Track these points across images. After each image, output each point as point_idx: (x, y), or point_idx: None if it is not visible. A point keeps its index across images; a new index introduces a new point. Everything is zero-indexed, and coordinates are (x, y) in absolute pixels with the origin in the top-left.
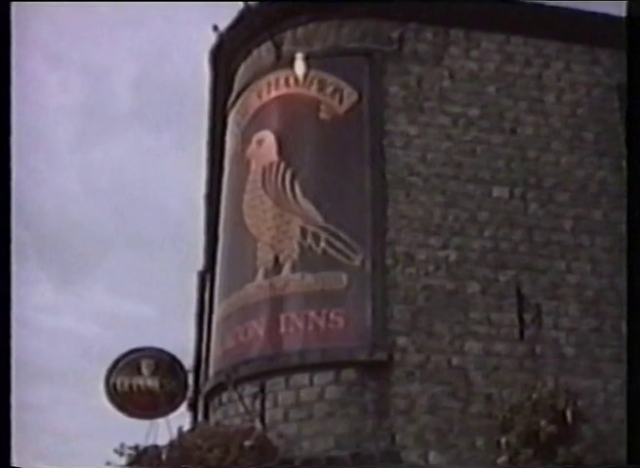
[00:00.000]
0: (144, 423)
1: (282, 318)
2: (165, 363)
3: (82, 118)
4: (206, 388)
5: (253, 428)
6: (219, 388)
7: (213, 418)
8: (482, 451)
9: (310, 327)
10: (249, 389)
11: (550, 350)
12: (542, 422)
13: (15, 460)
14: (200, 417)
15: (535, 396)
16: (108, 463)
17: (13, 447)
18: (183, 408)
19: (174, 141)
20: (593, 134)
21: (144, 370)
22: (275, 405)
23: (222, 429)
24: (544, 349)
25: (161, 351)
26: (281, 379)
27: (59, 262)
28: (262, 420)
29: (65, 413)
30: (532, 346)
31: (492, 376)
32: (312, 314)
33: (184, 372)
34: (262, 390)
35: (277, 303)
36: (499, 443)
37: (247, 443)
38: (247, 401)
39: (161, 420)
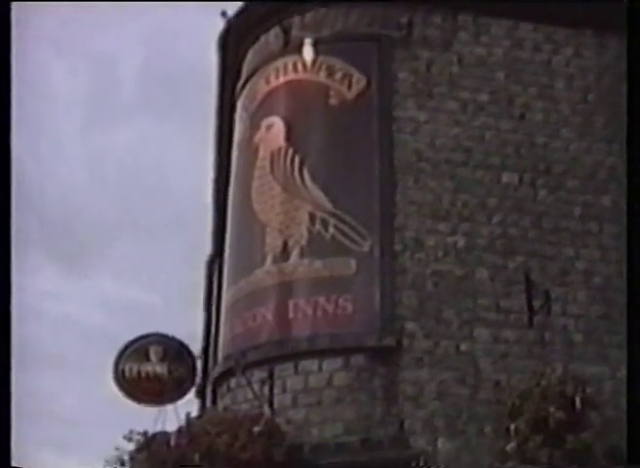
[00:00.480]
0: (153, 410)
1: (291, 304)
2: (173, 349)
3: (88, 106)
4: (214, 374)
5: (261, 414)
6: (227, 374)
7: (221, 404)
8: (491, 438)
9: (319, 312)
10: (257, 375)
11: (559, 337)
12: (551, 409)
13: (20, 447)
14: (208, 403)
15: (543, 382)
16: (117, 449)
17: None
18: (192, 394)
19: (180, 129)
20: (603, 120)
21: (153, 357)
22: (284, 390)
23: (231, 415)
24: (553, 336)
25: (169, 337)
26: (290, 365)
27: (64, 250)
28: (271, 406)
29: (72, 401)
30: (540, 333)
31: (500, 363)
32: (321, 300)
33: (193, 359)
34: (271, 376)
35: (286, 289)
36: (507, 429)
37: (255, 428)
38: (255, 386)
39: (169, 407)
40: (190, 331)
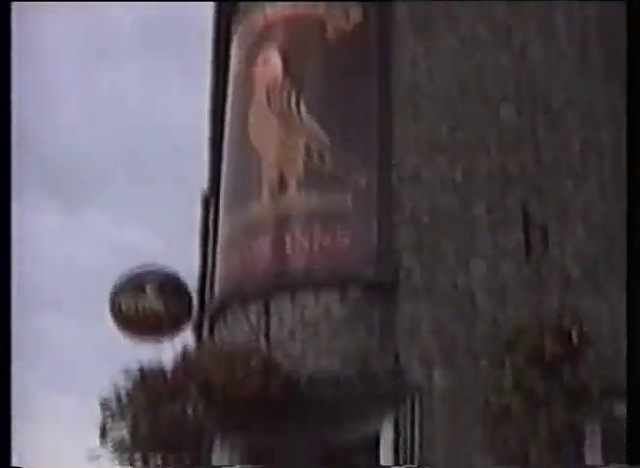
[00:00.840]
0: (150, 347)
1: (287, 237)
2: (170, 284)
3: (85, 46)
4: (211, 308)
5: (258, 346)
6: (223, 307)
7: (218, 338)
8: (487, 371)
9: (316, 245)
10: (254, 308)
11: (556, 272)
12: (548, 342)
13: (20, 387)
14: (205, 338)
15: (540, 317)
16: (115, 385)
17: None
18: (189, 330)
19: (177, 68)
20: (602, 56)
21: (149, 292)
22: (280, 323)
23: (227, 347)
24: (550, 270)
25: (166, 272)
26: (286, 298)
27: (61, 191)
28: (268, 339)
29: (69, 340)
30: (538, 267)
31: (497, 297)
32: (318, 233)
33: (190, 294)
34: (267, 309)
35: (282, 222)
36: (503, 363)
37: (252, 361)
38: (252, 319)
39: (166, 343)
40: (189, 270)
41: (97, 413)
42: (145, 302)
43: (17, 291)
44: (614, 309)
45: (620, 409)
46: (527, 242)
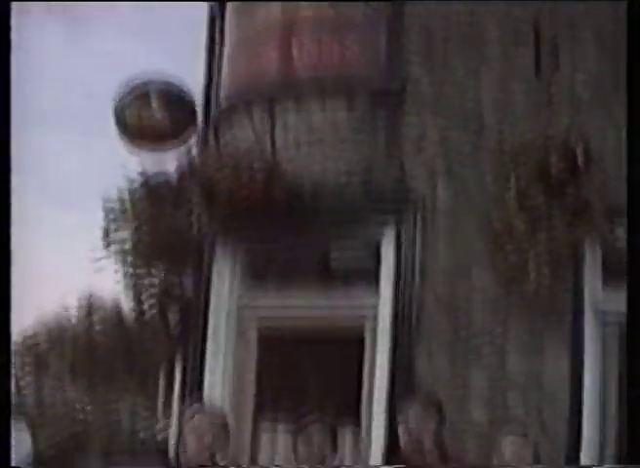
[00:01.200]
0: (154, 157)
1: (294, 43)
2: (174, 94)
3: None
4: (216, 114)
5: (263, 150)
6: (228, 113)
7: (222, 143)
8: (491, 185)
9: (324, 52)
10: (259, 113)
11: (565, 89)
12: (553, 158)
13: (23, 205)
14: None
15: (547, 132)
16: (118, 192)
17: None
18: (193, 140)
19: None
20: None
21: (154, 103)
22: (286, 129)
23: (232, 150)
24: (560, 88)
25: (170, 82)
26: (293, 104)
27: (64, 7)
28: (272, 144)
29: (75, 156)
30: (547, 84)
31: (505, 112)
32: (326, 40)
33: (194, 103)
34: (273, 114)
35: (290, 28)
36: (508, 177)
37: (256, 164)
38: (257, 124)
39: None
40: (195, 80)
41: (100, 224)
42: (150, 112)
43: (20, 109)
44: (620, 131)
45: (622, 232)
46: (537, 59)
